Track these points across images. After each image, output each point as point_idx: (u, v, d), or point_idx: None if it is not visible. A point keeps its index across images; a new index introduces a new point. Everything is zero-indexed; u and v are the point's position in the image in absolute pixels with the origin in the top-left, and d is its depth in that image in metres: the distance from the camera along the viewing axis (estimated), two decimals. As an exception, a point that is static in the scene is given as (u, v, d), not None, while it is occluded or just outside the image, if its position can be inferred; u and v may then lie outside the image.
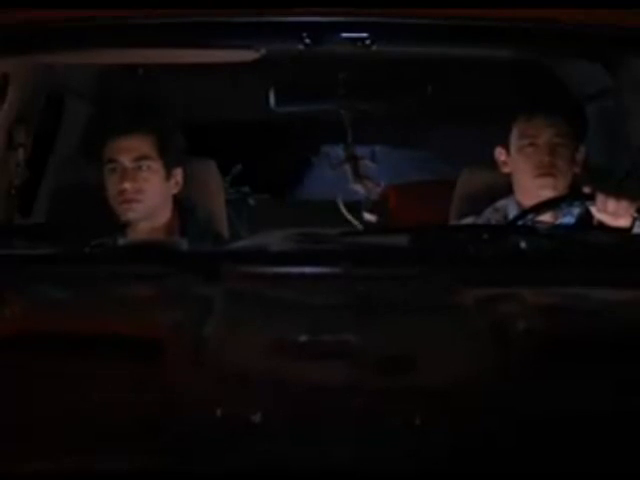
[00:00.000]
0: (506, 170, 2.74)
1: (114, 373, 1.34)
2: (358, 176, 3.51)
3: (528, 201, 2.62)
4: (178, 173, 2.67)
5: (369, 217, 3.39)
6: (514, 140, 2.70)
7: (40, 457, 1.14)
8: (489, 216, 2.71)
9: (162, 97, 3.03)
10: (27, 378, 1.32)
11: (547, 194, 2.60)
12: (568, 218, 2.60)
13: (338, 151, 3.65)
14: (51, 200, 2.93)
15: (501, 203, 2.73)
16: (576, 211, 2.59)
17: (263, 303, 1.68)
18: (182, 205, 2.71)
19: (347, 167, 3.51)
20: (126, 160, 2.60)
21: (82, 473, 1.13)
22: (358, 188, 3.51)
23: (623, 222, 2.25)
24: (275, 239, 1.88)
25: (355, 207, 3.51)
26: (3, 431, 1.18)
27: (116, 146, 2.61)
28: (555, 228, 2.37)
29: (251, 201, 3.88)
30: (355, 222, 3.36)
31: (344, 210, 3.34)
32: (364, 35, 2.10)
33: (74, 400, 1.25)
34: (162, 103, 2.84)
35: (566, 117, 2.68)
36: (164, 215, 2.67)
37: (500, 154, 2.74)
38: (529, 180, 2.67)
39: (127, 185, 2.58)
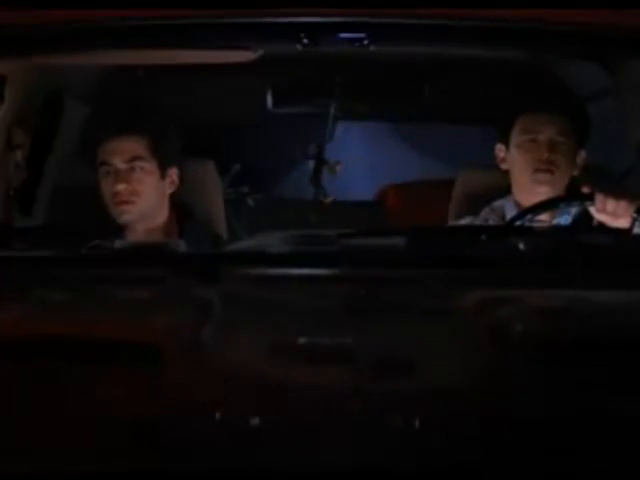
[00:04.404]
0: (504, 167, 2.72)
1: (112, 376, 1.33)
2: (316, 180, 3.53)
3: (525, 199, 2.61)
4: (173, 172, 2.65)
5: (311, 219, 3.43)
6: (515, 136, 2.69)
7: (40, 458, 1.14)
8: (486, 216, 2.70)
9: (158, 98, 3.03)
10: (26, 380, 1.32)
11: (543, 190, 2.59)
12: (564, 217, 2.60)
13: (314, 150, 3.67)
14: (50, 201, 2.93)
15: (498, 203, 2.72)
16: (573, 211, 2.58)
17: (261, 305, 1.68)
18: (180, 206, 2.70)
19: (310, 168, 3.54)
20: (119, 162, 2.58)
21: (82, 475, 1.12)
22: (311, 191, 3.54)
23: (623, 222, 2.25)
24: (273, 241, 1.88)
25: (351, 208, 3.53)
26: (3, 432, 1.17)
27: (108, 148, 2.60)
28: (553, 229, 2.36)
29: (250, 201, 3.87)
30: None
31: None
32: (362, 35, 2.10)
33: (72, 402, 1.25)
34: (156, 104, 2.83)
35: (569, 117, 2.67)
36: (161, 216, 2.66)
37: (500, 150, 2.73)
38: (527, 175, 2.65)
39: (121, 187, 2.57)
